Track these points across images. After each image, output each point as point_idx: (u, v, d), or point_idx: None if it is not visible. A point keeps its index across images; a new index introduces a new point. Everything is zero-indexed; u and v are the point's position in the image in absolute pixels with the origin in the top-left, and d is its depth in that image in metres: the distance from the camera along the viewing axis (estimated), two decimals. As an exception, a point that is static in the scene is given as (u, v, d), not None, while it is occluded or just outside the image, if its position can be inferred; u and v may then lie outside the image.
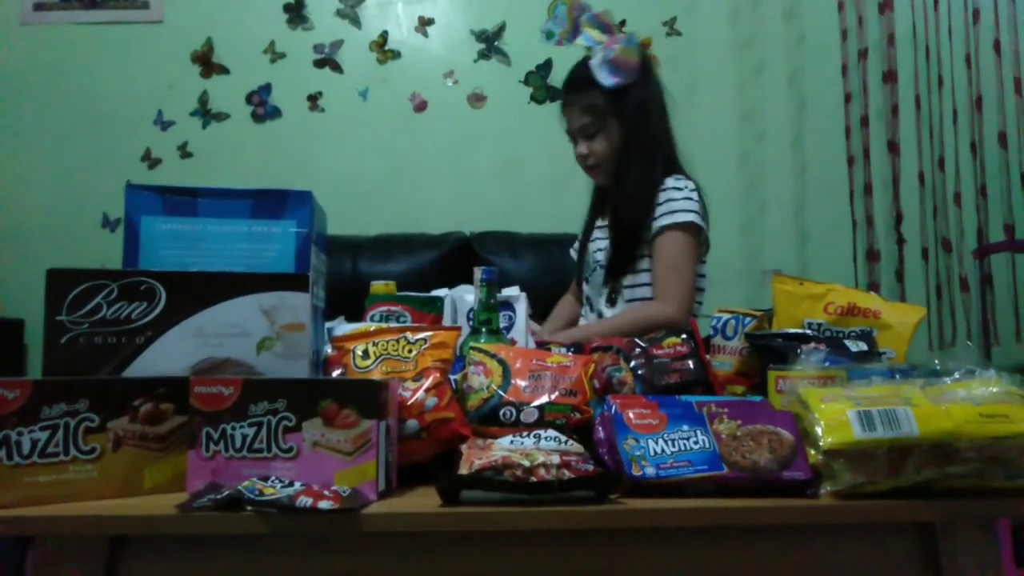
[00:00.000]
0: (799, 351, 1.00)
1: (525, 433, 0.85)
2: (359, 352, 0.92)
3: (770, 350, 1.01)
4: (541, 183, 2.53)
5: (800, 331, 1.05)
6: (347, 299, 1.44)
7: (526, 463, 0.76)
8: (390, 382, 0.83)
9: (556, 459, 0.77)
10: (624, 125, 1.64)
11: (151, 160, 2.65)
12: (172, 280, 0.91)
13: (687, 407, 0.88)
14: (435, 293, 1.30)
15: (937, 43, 2.13)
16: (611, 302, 1.66)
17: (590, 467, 0.77)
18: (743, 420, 0.84)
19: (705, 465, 0.79)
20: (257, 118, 2.67)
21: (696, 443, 0.82)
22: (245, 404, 0.80)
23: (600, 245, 1.70)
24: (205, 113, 2.66)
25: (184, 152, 2.66)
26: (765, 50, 2.57)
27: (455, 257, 2.38)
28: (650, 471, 0.79)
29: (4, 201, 2.60)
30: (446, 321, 1.22)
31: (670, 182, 1.62)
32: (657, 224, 1.58)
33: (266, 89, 2.66)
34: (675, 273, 1.56)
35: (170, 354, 0.89)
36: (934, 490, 0.77)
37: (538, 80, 2.67)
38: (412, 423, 0.86)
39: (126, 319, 0.89)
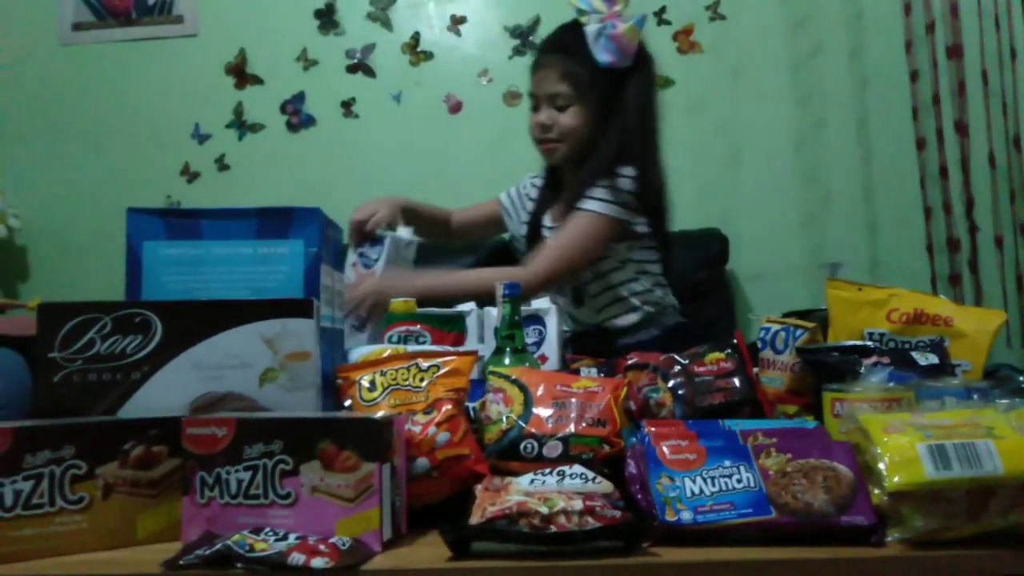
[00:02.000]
0: (859, 367, 0.89)
1: (548, 470, 0.77)
2: (365, 384, 0.85)
3: (825, 366, 0.90)
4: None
5: (859, 343, 0.94)
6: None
7: (544, 510, 0.67)
8: (395, 418, 0.75)
9: (579, 504, 0.68)
10: (601, 110, 1.50)
11: (190, 174, 2.64)
12: (168, 311, 0.85)
13: (730, 438, 0.78)
14: (460, 308, 1.23)
15: (1009, 11, 1.95)
16: (578, 301, 1.55)
17: (617, 513, 0.68)
18: (794, 453, 0.74)
19: (750, 508, 0.69)
20: (292, 127, 2.64)
21: (740, 481, 0.72)
22: (239, 446, 0.74)
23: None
24: (240, 125, 2.65)
25: (222, 165, 2.65)
26: (820, 30, 2.41)
27: (495, 261, 2.30)
28: (686, 516, 0.70)
29: (50, 222, 2.63)
30: (472, 339, 1.14)
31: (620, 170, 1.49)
32: (585, 206, 1.48)
33: (300, 98, 2.63)
34: (558, 249, 1.48)
35: (168, 389, 0.84)
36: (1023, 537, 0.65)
37: (575, 74, 2.57)
38: (422, 462, 0.78)
39: (121, 354, 0.84)
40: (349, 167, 2.61)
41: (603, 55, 1.47)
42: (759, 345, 1.04)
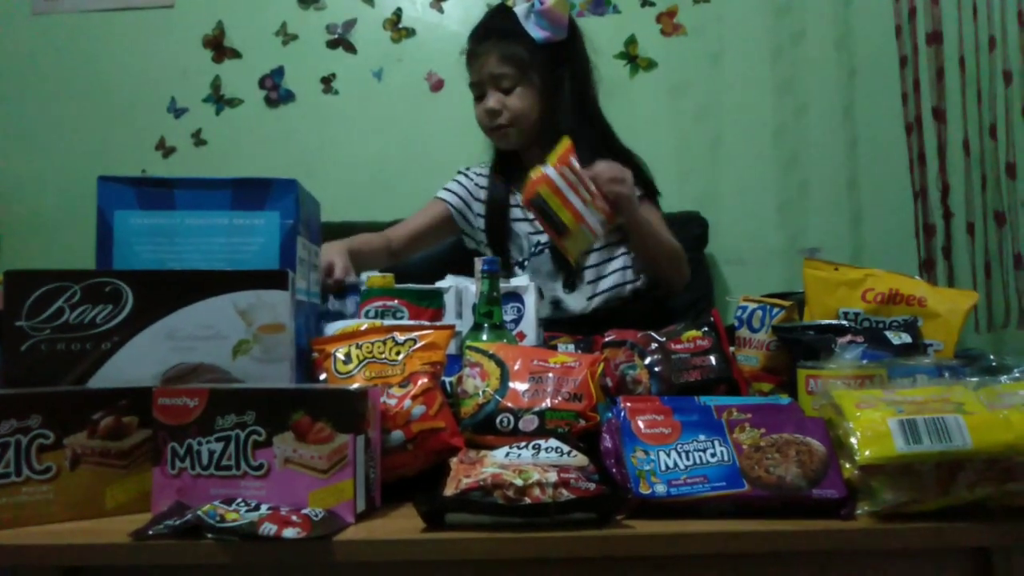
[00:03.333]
0: (833, 345, 0.90)
1: (523, 443, 0.77)
2: (340, 356, 0.84)
3: (800, 344, 0.91)
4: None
5: (834, 322, 0.95)
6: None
7: (519, 482, 0.67)
8: (371, 390, 0.75)
9: (553, 476, 0.68)
10: (546, 87, 1.51)
11: (166, 149, 2.60)
12: (139, 280, 0.84)
13: (705, 412, 0.78)
14: (440, 284, 1.22)
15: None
16: (570, 286, 1.54)
17: (592, 485, 0.68)
18: (768, 428, 0.74)
19: (723, 482, 0.70)
20: (271, 102, 2.60)
21: (714, 456, 0.72)
22: (211, 417, 0.73)
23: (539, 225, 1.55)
24: (218, 99, 2.60)
25: (199, 140, 2.60)
26: (805, 15, 2.41)
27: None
28: (660, 489, 0.70)
29: (21, 194, 2.58)
30: (450, 315, 1.13)
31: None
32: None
33: (279, 72, 2.59)
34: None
35: (139, 360, 0.82)
36: (989, 510, 0.66)
37: (559, 54, 2.55)
38: (397, 434, 0.78)
39: (91, 323, 0.82)
40: (328, 144, 2.58)
41: (537, 32, 1.48)
42: (736, 324, 1.05)
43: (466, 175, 1.73)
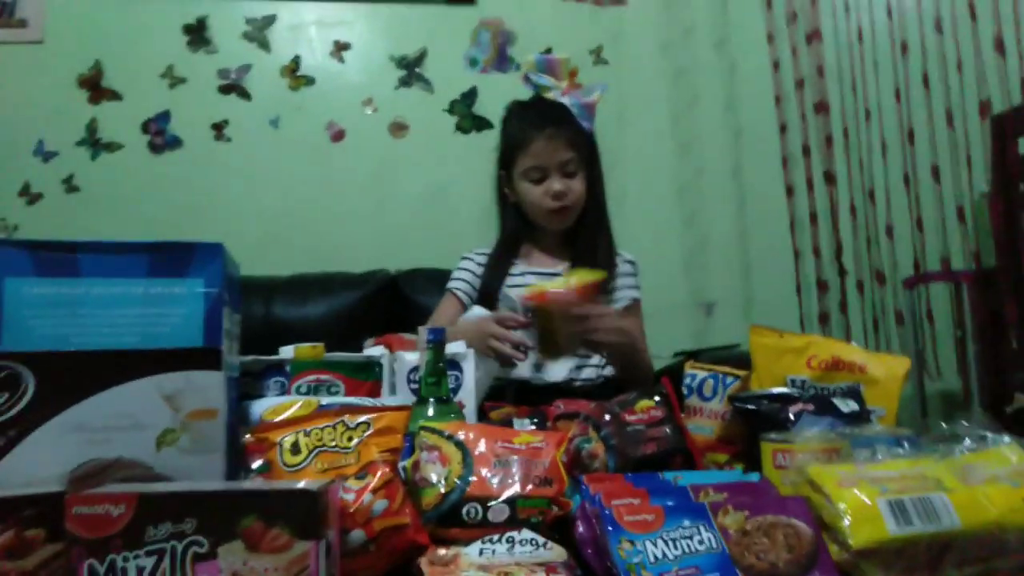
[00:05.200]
0: (788, 415, 0.90)
1: (495, 537, 0.71)
2: (287, 445, 0.75)
3: (759, 414, 0.91)
4: (469, 215, 2.39)
5: (786, 391, 0.95)
6: (259, 348, 1.25)
7: (506, 589, 0.61)
8: (330, 486, 0.66)
9: (542, 577, 0.63)
10: (590, 175, 1.60)
11: (31, 195, 2.36)
12: (43, 362, 0.72)
13: (682, 495, 0.75)
14: (368, 352, 1.14)
15: (863, 75, 2.14)
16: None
17: (582, 585, 0.63)
18: (751, 510, 0.72)
19: (716, 572, 0.66)
20: (155, 148, 2.43)
21: (702, 543, 0.69)
22: (141, 526, 0.62)
23: None
24: (94, 143, 2.40)
25: (70, 186, 2.38)
26: (698, 82, 2.54)
27: (381, 297, 2.21)
28: (653, 583, 0.66)
29: None
30: (384, 388, 1.05)
31: (624, 254, 1.68)
32: (634, 294, 1.65)
33: (164, 117, 2.43)
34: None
35: (41, 457, 0.70)
36: (975, 588, 0.67)
37: (463, 108, 2.54)
38: (357, 533, 0.70)
39: (-19, 416, 0.69)
40: (220, 193, 2.44)
41: (587, 123, 1.56)
42: (684, 392, 1.03)
43: (470, 259, 1.72)
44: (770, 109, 2.43)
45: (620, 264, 1.65)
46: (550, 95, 1.58)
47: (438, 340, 0.95)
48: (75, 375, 0.72)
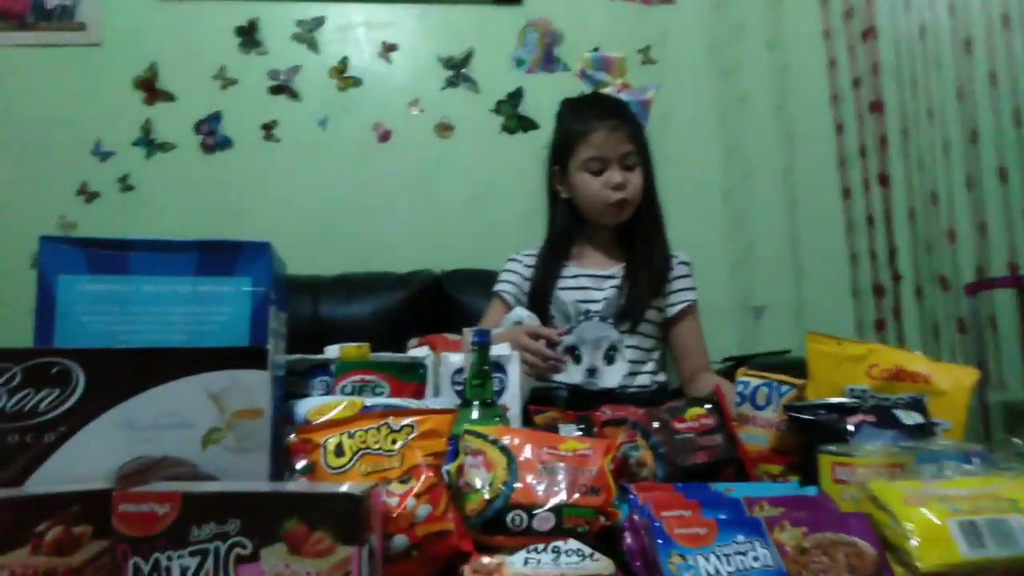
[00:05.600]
0: (847, 426, 0.86)
1: (540, 546, 0.69)
2: (331, 447, 0.74)
3: (816, 425, 0.87)
4: (513, 217, 2.38)
5: (845, 400, 0.91)
6: (305, 347, 1.25)
7: (552, 601, 0.59)
8: (374, 490, 0.65)
9: (589, 591, 0.60)
10: (647, 171, 1.58)
11: (88, 194, 2.42)
12: (93, 360, 0.72)
13: (735, 509, 0.72)
14: (413, 352, 1.13)
15: (926, 73, 2.06)
16: (610, 359, 1.51)
17: (632, 600, 0.61)
18: (809, 526, 0.68)
19: (773, 591, 0.64)
20: (207, 148, 2.47)
21: (757, 560, 0.66)
22: (185, 526, 0.62)
23: (593, 295, 1.54)
24: (149, 143, 2.45)
25: (125, 185, 2.44)
26: (747, 81, 2.48)
27: (425, 298, 2.20)
28: (706, 601, 0.63)
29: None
30: (428, 389, 1.04)
31: (679, 255, 1.64)
32: (691, 296, 1.60)
33: (216, 118, 2.47)
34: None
35: (90, 454, 0.71)
36: (1052, 617, 0.62)
37: (509, 109, 2.53)
38: (400, 539, 0.69)
39: (32, 411, 0.70)
40: (268, 192, 2.46)
41: (645, 119, 1.59)
42: (737, 400, 1.00)
43: (517, 260, 1.70)
44: (824, 109, 2.36)
45: (675, 266, 1.60)
46: (607, 91, 1.56)
47: (483, 342, 0.94)
48: (124, 373, 0.72)
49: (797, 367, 1.06)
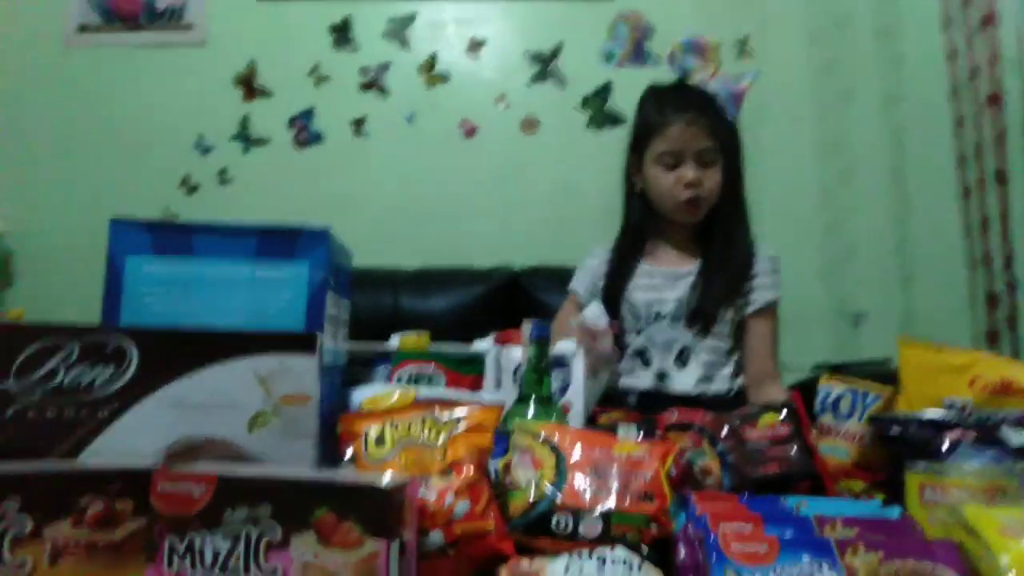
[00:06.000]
0: (942, 443, 0.77)
1: (585, 553, 0.65)
2: (372, 436, 0.72)
3: (907, 440, 0.78)
4: (597, 215, 2.30)
5: (941, 414, 0.82)
6: (384, 338, 1.24)
7: (588, 613, 0.55)
8: (408, 483, 0.63)
9: (630, 607, 0.56)
10: (729, 166, 1.47)
11: (189, 186, 2.54)
12: (147, 339, 0.73)
13: (803, 526, 0.66)
14: (477, 345, 1.11)
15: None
16: (682, 362, 1.44)
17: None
18: (886, 552, 0.61)
19: (838, 621, 0.57)
20: (299, 143, 2.54)
21: (823, 585, 0.59)
22: (220, 508, 0.61)
23: (666, 294, 1.47)
24: (246, 138, 2.55)
25: (223, 178, 2.54)
26: (853, 73, 2.33)
27: (502, 295, 2.18)
28: (761, 626, 0.57)
29: (40, 227, 2.51)
30: (487, 383, 1.01)
31: (763, 249, 1.52)
32: (769, 296, 1.48)
33: (308, 114, 2.54)
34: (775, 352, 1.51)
35: (140, 431, 0.71)
36: None
37: (596, 104, 2.48)
38: (436, 535, 0.66)
39: (87, 387, 0.71)
40: (357, 187, 2.51)
41: (733, 111, 1.44)
42: (817, 409, 0.92)
43: (592, 257, 1.65)
44: (939, 103, 2.18)
45: (758, 262, 1.50)
46: (696, 79, 1.46)
47: (541, 336, 0.90)
48: (176, 353, 0.73)
49: (896, 377, 0.96)
